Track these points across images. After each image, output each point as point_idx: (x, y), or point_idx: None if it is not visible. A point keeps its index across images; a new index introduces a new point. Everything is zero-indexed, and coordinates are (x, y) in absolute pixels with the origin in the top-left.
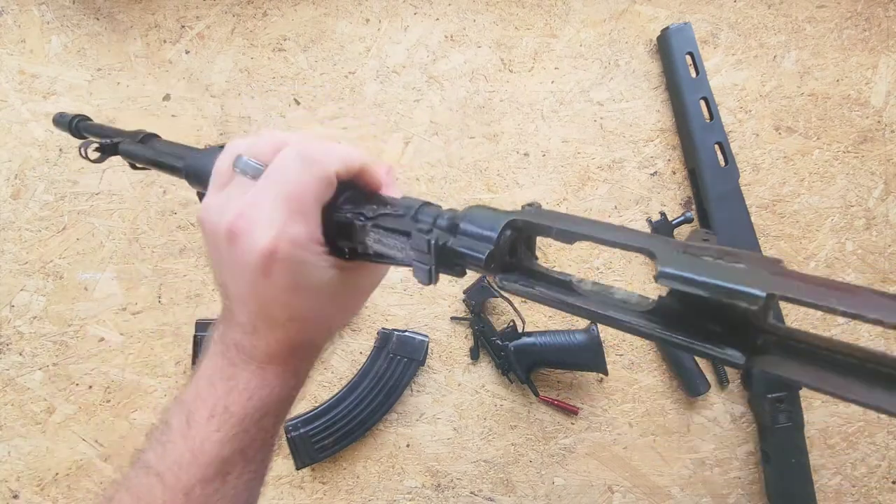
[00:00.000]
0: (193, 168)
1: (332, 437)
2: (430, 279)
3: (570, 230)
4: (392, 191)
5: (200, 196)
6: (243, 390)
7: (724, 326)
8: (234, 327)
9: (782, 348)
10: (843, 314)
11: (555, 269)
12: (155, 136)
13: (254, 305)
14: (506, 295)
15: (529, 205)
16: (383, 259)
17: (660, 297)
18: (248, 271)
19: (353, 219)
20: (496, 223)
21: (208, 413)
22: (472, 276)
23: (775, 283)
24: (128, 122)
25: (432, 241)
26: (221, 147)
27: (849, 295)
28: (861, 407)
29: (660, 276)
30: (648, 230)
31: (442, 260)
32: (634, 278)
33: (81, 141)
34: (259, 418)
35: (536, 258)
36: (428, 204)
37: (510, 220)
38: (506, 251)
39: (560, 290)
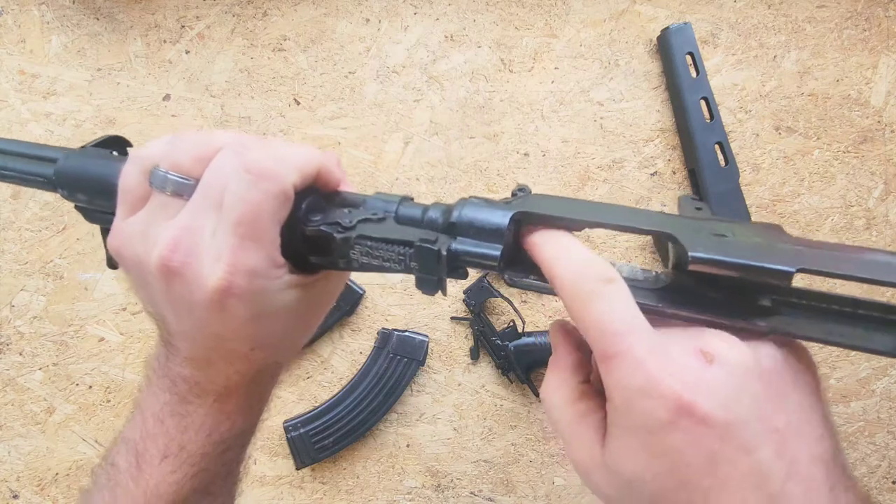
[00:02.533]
0: (72, 174)
1: (332, 437)
2: (439, 290)
3: (577, 219)
4: (348, 186)
5: (81, 210)
6: (200, 427)
7: (728, 293)
8: (182, 362)
9: (788, 307)
10: (862, 280)
11: None
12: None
13: (207, 341)
14: (506, 295)
15: (521, 189)
16: (372, 269)
17: (671, 272)
18: (196, 309)
19: (329, 231)
20: (502, 218)
21: (160, 454)
22: (471, 276)
23: (800, 258)
24: (128, 121)
25: (444, 252)
26: (112, 151)
27: (863, 260)
28: (866, 353)
29: (693, 262)
30: None
31: (451, 267)
32: None
33: None
34: (221, 453)
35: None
36: (406, 199)
37: (514, 213)
38: (511, 245)
39: None
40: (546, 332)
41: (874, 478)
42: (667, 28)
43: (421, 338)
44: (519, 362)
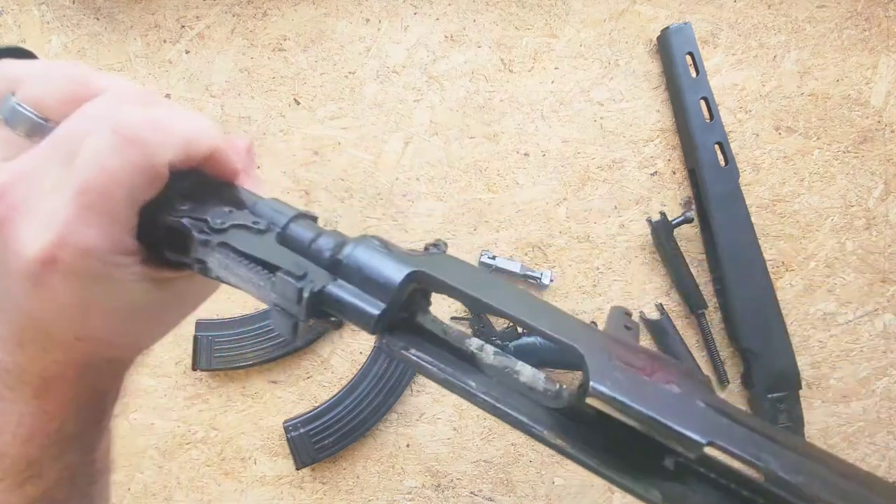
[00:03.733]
0: None
1: (332, 437)
2: (294, 335)
3: (479, 298)
4: (252, 182)
5: None
6: (18, 427)
7: (630, 438)
8: None
9: (693, 475)
10: (771, 480)
11: (454, 328)
12: None
13: (17, 318)
14: None
15: (435, 245)
16: (229, 284)
17: (577, 391)
18: (8, 277)
19: (190, 227)
20: (396, 272)
21: None
22: None
23: (716, 429)
24: None
25: (306, 293)
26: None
27: (784, 452)
28: None
29: (591, 394)
30: (648, 230)
31: (314, 311)
32: (634, 278)
33: None
34: (55, 458)
35: (430, 313)
36: (302, 216)
37: (413, 271)
38: (400, 306)
39: (457, 362)
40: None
41: None
42: (667, 28)
43: None
44: None
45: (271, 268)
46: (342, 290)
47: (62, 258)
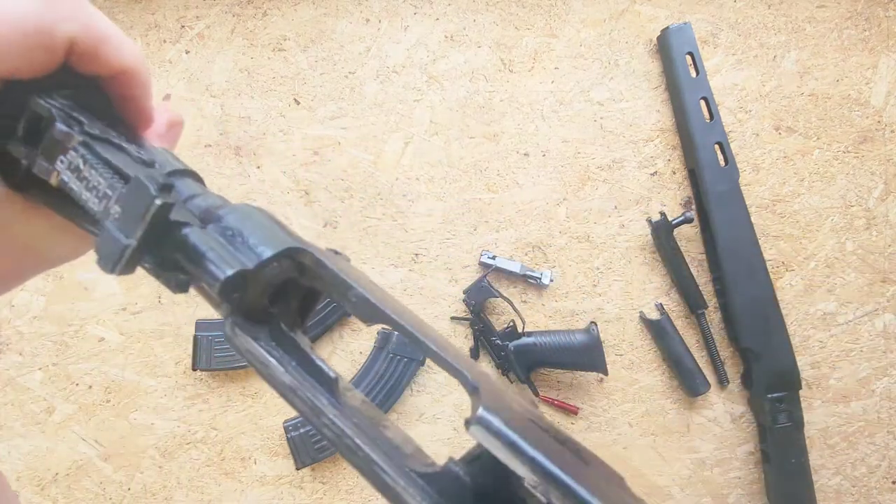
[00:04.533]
0: None
1: None
2: (117, 264)
3: (373, 302)
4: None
5: None
6: None
7: None
8: None
9: None
10: None
11: (323, 360)
12: None
13: None
14: (506, 295)
15: (336, 252)
16: (61, 203)
17: (448, 461)
18: None
19: (56, 116)
20: (277, 241)
21: None
22: (471, 276)
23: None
24: None
25: (157, 203)
26: None
27: None
28: None
29: (475, 422)
30: (648, 230)
31: (156, 244)
32: (634, 278)
33: None
34: None
35: (304, 331)
36: (191, 174)
37: (298, 247)
38: (264, 290)
39: (316, 384)
40: (546, 332)
41: (874, 478)
42: (667, 28)
43: None
44: (519, 362)
45: (123, 177)
46: (201, 236)
47: None
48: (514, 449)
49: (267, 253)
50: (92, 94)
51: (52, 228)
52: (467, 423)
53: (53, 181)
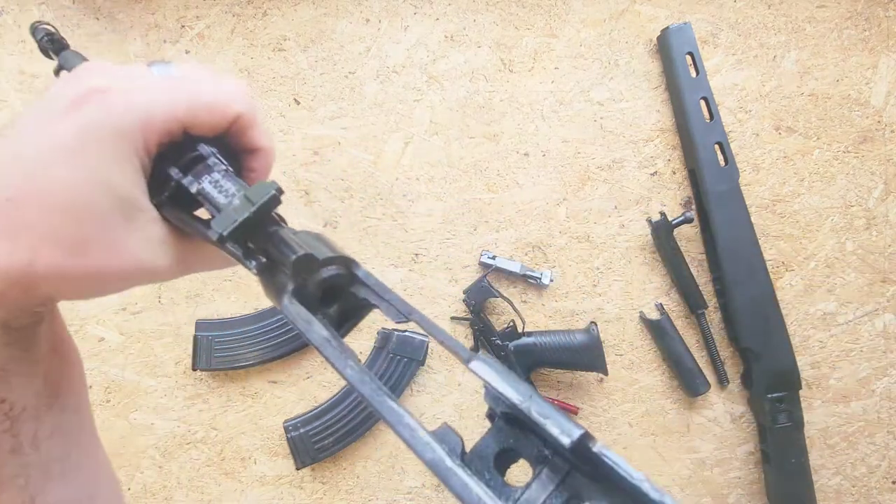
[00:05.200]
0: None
1: (332, 437)
2: (228, 228)
3: (407, 304)
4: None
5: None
6: None
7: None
8: None
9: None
10: None
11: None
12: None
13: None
14: (506, 295)
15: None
16: (184, 217)
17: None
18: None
19: (211, 154)
20: (337, 251)
21: None
22: (471, 276)
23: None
24: None
25: (273, 191)
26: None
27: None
28: None
29: (476, 358)
30: (648, 230)
31: (254, 230)
32: (634, 278)
33: (35, 22)
34: None
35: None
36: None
37: (352, 259)
38: (319, 286)
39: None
40: (546, 332)
41: (874, 478)
42: (667, 28)
43: (421, 338)
44: (519, 362)
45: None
46: (287, 233)
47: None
48: (505, 374)
49: (330, 254)
50: (232, 165)
51: (162, 243)
52: (468, 360)
53: (195, 189)
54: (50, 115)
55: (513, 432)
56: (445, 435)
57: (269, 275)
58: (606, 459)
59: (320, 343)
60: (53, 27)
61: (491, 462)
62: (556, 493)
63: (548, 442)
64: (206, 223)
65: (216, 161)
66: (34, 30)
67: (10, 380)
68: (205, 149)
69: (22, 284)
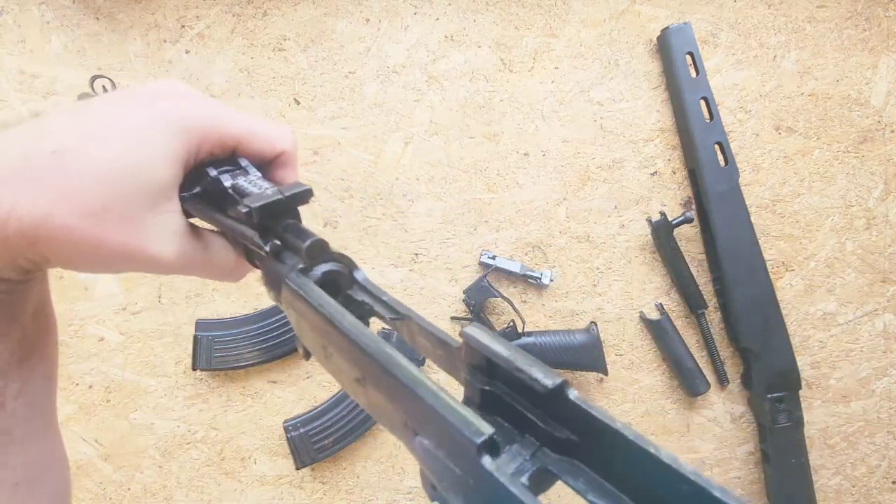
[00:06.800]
0: None
1: (332, 437)
2: (259, 201)
3: (402, 304)
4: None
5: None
6: None
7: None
8: None
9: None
10: None
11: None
12: None
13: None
14: (506, 295)
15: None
16: (209, 215)
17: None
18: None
19: (250, 164)
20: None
21: None
22: (471, 276)
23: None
24: None
25: (305, 187)
26: None
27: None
28: None
29: (469, 325)
30: (648, 230)
31: (277, 217)
32: (634, 278)
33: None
34: None
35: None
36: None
37: (352, 261)
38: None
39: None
40: (546, 332)
41: (874, 478)
42: (667, 28)
43: None
44: None
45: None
46: (302, 225)
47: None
48: (495, 336)
49: (335, 252)
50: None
51: (174, 235)
52: (462, 329)
53: (229, 184)
54: (128, 100)
55: (489, 418)
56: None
57: (276, 261)
58: (583, 406)
59: (320, 302)
60: (110, 80)
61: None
62: (525, 464)
63: (525, 417)
64: (232, 216)
65: (254, 169)
66: (92, 83)
67: None
68: (244, 160)
69: (30, 237)
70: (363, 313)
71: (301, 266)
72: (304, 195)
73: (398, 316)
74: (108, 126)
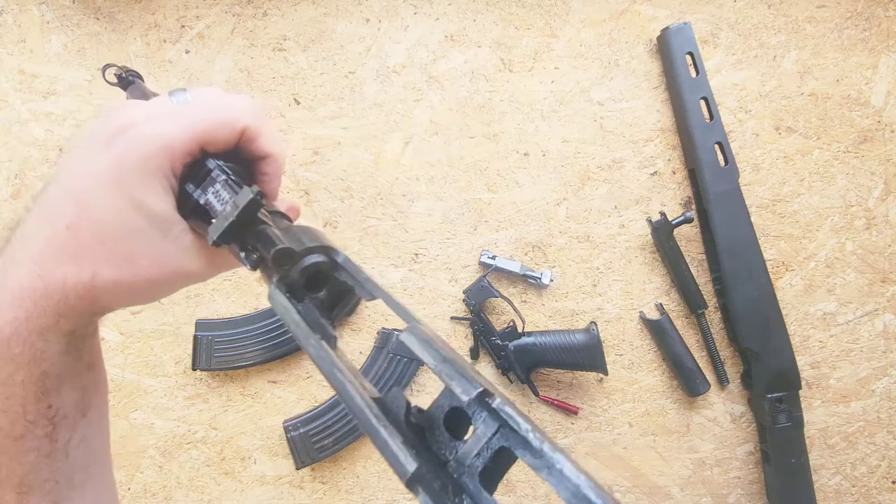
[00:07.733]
0: None
1: (332, 437)
2: (217, 232)
3: (375, 283)
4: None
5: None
6: None
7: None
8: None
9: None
10: None
11: (333, 327)
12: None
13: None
14: (506, 295)
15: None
16: (201, 225)
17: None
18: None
19: (216, 167)
20: (319, 241)
21: None
22: (471, 276)
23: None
24: None
25: (250, 195)
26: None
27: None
28: None
29: (406, 331)
30: (648, 230)
31: (242, 231)
32: (634, 278)
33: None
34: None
35: (330, 318)
36: (285, 216)
37: (333, 247)
38: (303, 273)
39: (317, 333)
40: (546, 332)
41: (874, 478)
42: (667, 28)
43: None
44: (519, 362)
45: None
46: (272, 230)
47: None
48: (428, 344)
49: (310, 244)
50: (247, 171)
51: (195, 249)
52: (398, 334)
53: (203, 201)
54: (90, 151)
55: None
56: (395, 397)
57: (264, 268)
58: (502, 413)
59: (292, 324)
60: (123, 67)
61: (441, 421)
62: (488, 445)
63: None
64: None
65: (218, 172)
66: (104, 72)
67: (61, 387)
68: (211, 163)
69: (88, 298)
70: (348, 289)
71: (276, 277)
72: (252, 205)
73: (371, 297)
74: (90, 187)
